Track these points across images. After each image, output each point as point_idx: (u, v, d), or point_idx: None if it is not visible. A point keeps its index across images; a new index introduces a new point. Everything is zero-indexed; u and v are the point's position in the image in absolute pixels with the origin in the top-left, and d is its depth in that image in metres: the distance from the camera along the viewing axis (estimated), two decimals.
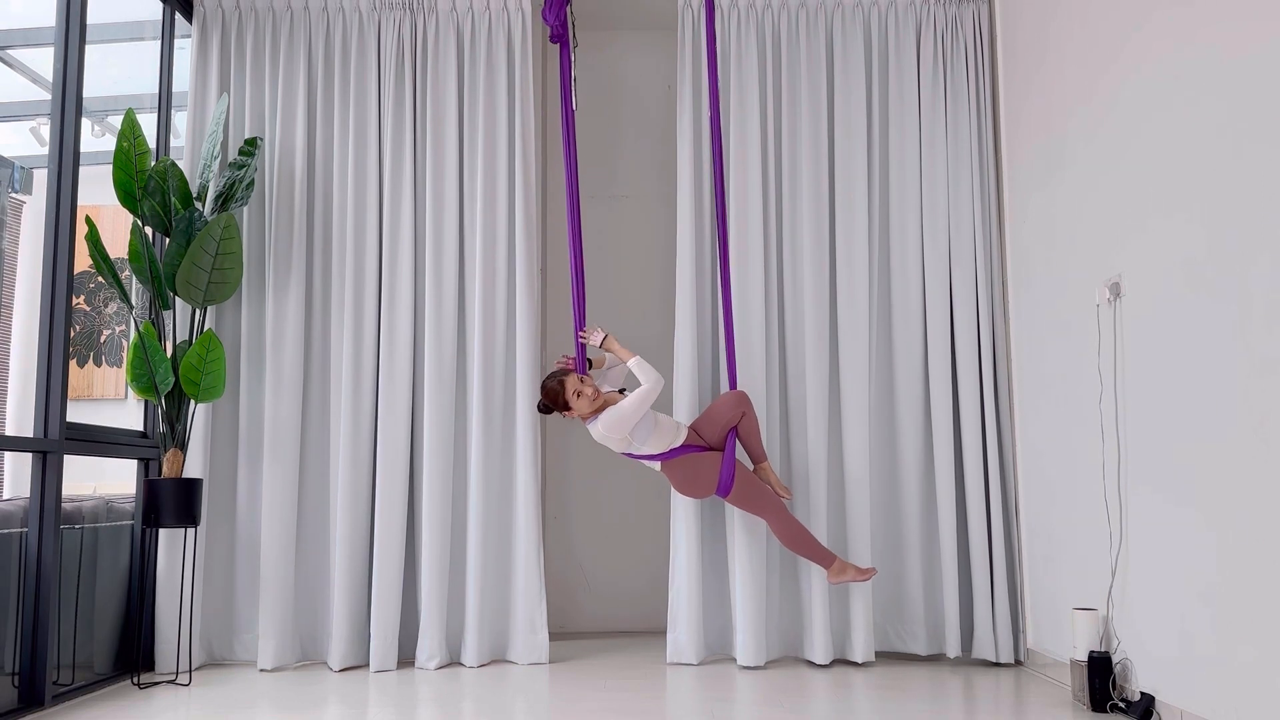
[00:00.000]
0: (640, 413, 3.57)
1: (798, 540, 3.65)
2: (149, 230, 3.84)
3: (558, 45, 4.13)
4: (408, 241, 4.07)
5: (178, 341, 3.89)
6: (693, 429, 3.76)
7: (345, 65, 4.18)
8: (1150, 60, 2.98)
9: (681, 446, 3.68)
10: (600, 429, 3.62)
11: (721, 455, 3.68)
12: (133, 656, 3.78)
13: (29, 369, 3.91)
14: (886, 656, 4.03)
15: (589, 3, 4.50)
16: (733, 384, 3.86)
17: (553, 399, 3.69)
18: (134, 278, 3.81)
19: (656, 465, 3.72)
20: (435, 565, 3.89)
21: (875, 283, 4.10)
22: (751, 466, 3.80)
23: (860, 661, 3.87)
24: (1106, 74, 3.24)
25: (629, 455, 3.72)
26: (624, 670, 3.84)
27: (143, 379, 3.69)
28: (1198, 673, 2.72)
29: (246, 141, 3.98)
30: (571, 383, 3.65)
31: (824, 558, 3.66)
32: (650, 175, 4.90)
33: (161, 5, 4.13)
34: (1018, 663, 3.89)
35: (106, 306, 4.91)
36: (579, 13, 4.41)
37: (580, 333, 3.83)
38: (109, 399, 4.87)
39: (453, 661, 3.94)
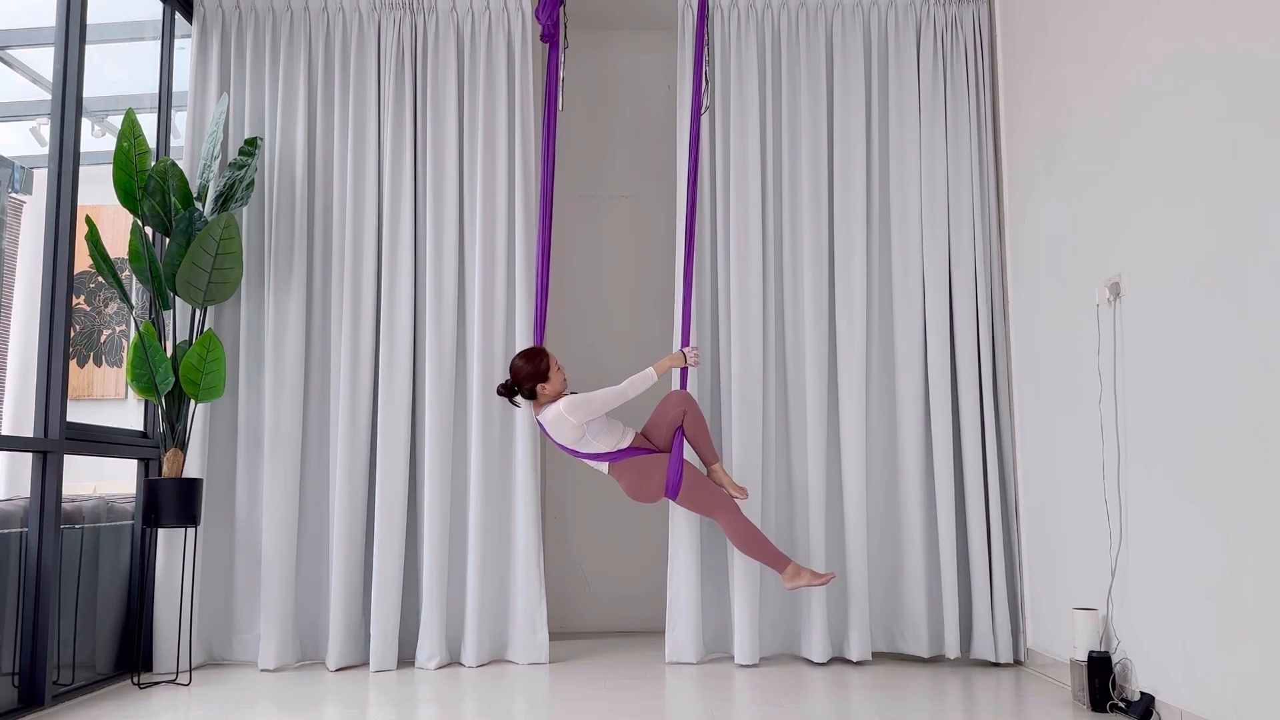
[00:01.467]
0: (606, 408, 3.61)
1: (750, 542, 3.63)
2: (149, 230, 3.84)
3: (547, 45, 4.14)
4: (408, 241, 4.07)
5: (178, 341, 3.89)
6: (642, 434, 3.76)
7: (345, 65, 4.18)
8: (1148, 58, 2.97)
9: (629, 449, 3.68)
10: (561, 407, 3.59)
11: (668, 456, 3.68)
12: (133, 656, 3.78)
13: (29, 369, 3.91)
14: (886, 657, 4.03)
15: (589, 2, 4.50)
16: (683, 384, 3.87)
17: (534, 368, 3.64)
18: (134, 278, 3.82)
19: (604, 467, 3.71)
20: (435, 565, 3.89)
21: (874, 283, 4.11)
22: (705, 471, 3.80)
23: (858, 660, 3.87)
24: (1105, 72, 3.24)
25: (574, 454, 3.69)
26: (624, 670, 3.84)
27: (143, 379, 3.69)
28: (1198, 673, 2.72)
29: (246, 141, 3.98)
30: (553, 358, 3.70)
31: (777, 561, 3.62)
32: (650, 175, 4.90)
33: (161, 5, 4.13)
34: (1017, 663, 3.89)
35: (106, 306, 4.91)
36: (578, 12, 4.41)
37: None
38: (109, 399, 4.87)
39: (453, 661, 3.94)
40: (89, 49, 3.46)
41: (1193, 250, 2.75)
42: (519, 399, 3.76)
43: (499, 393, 3.74)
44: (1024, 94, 3.92)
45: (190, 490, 3.65)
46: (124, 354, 4.82)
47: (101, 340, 4.91)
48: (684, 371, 3.90)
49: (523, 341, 4.03)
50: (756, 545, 3.63)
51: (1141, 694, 2.97)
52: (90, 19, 3.46)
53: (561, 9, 4.10)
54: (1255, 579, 2.48)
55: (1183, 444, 2.79)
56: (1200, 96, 2.72)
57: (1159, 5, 2.93)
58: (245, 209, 4.09)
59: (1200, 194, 2.72)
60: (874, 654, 3.98)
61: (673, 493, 3.66)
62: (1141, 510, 3.00)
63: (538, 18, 4.07)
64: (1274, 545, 2.40)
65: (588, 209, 4.91)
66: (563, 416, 3.60)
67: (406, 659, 3.95)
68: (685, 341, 3.93)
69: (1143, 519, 3.00)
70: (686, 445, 3.72)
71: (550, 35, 4.09)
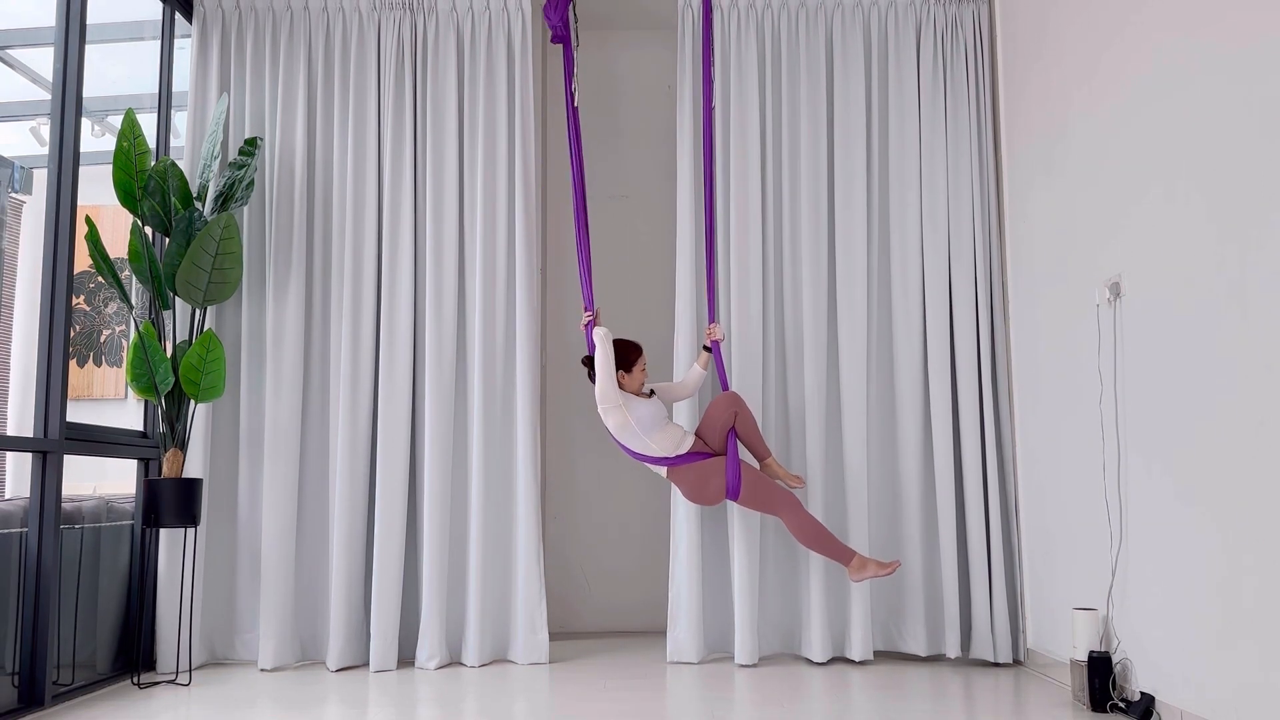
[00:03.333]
0: (611, 387, 3.61)
1: (815, 537, 3.62)
2: (149, 230, 3.85)
3: (559, 45, 4.13)
4: (408, 241, 4.07)
5: (178, 341, 3.89)
6: (697, 437, 3.75)
7: (345, 65, 4.18)
8: (1147, 56, 2.97)
9: (688, 454, 3.67)
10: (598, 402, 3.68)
11: (726, 459, 3.66)
12: (133, 656, 3.78)
13: (29, 369, 3.91)
14: (886, 656, 4.03)
15: (589, 2, 4.50)
16: (724, 386, 3.86)
17: (619, 355, 3.69)
18: (134, 278, 3.81)
19: (663, 471, 3.71)
20: (435, 565, 3.89)
21: (874, 283, 4.11)
22: (758, 465, 3.79)
23: (858, 660, 3.87)
24: (1105, 70, 3.24)
25: (635, 456, 3.69)
26: (624, 670, 3.84)
27: (143, 379, 3.69)
28: (1198, 673, 2.73)
29: (246, 141, 3.98)
30: (643, 359, 3.75)
31: (843, 554, 3.62)
32: (650, 175, 4.90)
33: (161, 5, 4.13)
34: (1017, 663, 3.89)
35: (106, 306, 4.91)
36: (579, 12, 4.40)
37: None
38: (109, 399, 4.87)
39: (453, 661, 3.94)
40: (89, 49, 3.46)
41: (1193, 249, 2.75)
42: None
43: (583, 362, 3.81)
44: (1024, 94, 3.92)
45: (190, 490, 3.65)
46: (124, 354, 4.82)
47: (101, 340, 4.91)
48: (722, 373, 3.85)
49: (523, 341, 4.04)
50: (820, 540, 3.62)
51: (1141, 694, 2.97)
52: (90, 19, 3.46)
53: (571, 8, 4.08)
54: (1255, 579, 2.48)
55: (1183, 444, 2.79)
56: (1200, 94, 2.72)
57: (1159, 1, 2.92)
58: (245, 209, 4.09)
59: (1200, 192, 2.72)
60: (874, 653, 3.98)
61: (733, 494, 3.64)
62: (1141, 510, 3.00)
63: (547, 19, 4.06)
64: (1274, 545, 2.40)
65: (588, 209, 4.90)
66: (600, 407, 3.66)
67: (406, 659, 3.95)
68: (718, 356, 3.88)
69: (1143, 519, 3.00)
70: (740, 445, 3.73)
71: (562, 36, 4.07)
